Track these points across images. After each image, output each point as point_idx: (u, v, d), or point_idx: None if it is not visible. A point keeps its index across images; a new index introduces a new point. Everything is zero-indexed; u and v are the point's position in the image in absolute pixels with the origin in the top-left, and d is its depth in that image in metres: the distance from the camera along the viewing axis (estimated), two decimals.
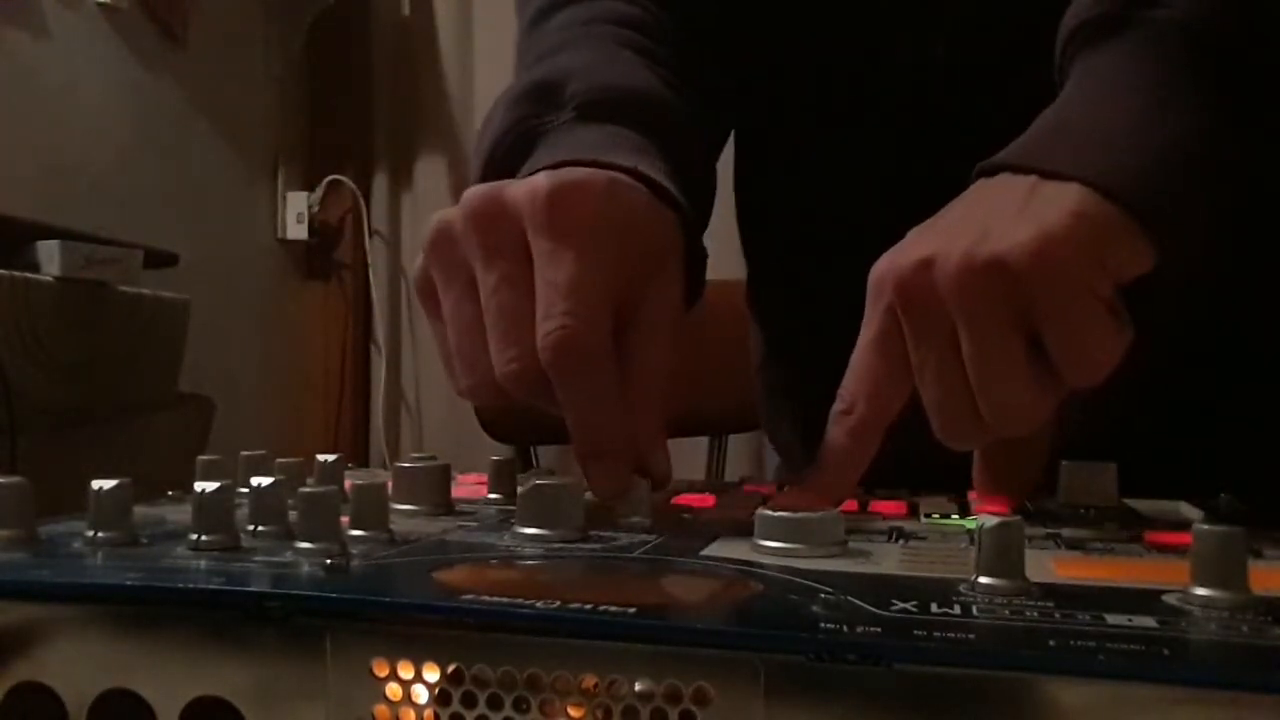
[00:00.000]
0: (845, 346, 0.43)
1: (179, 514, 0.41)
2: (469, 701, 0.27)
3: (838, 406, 0.43)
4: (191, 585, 0.29)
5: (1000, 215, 0.40)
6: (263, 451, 0.47)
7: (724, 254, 0.76)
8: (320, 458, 0.47)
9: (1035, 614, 0.26)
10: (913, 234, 0.42)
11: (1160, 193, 0.40)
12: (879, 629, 0.25)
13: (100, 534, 0.35)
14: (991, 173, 0.43)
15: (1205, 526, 0.28)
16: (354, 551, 0.33)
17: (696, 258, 0.48)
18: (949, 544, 0.37)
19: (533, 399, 0.42)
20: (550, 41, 0.55)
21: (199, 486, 0.35)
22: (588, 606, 0.26)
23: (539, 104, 0.50)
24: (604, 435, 0.42)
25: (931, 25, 0.59)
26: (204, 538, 0.34)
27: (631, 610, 0.26)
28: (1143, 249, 0.40)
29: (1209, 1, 0.44)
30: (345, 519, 0.35)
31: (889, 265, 0.41)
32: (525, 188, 0.42)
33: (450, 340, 0.44)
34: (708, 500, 0.47)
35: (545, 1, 0.58)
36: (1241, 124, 0.43)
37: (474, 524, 0.40)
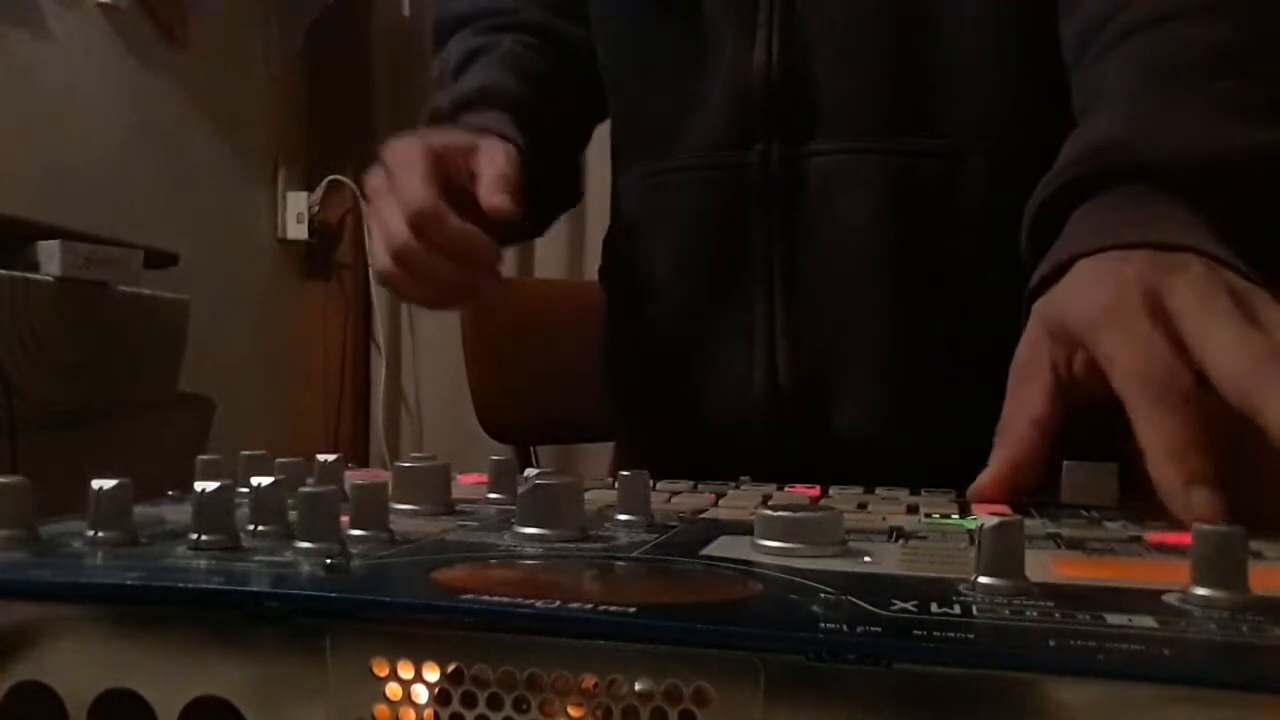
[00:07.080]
0: None
1: (179, 514, 0.41)
2: (469, 701, 0.27)
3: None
4: (191, 585, 0.29)
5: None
6: (263, 451, 0.47)
7: None
8: (320, 458, 0.47)
9: (1035, 614, 0.26)
10: (1125, 319, 0.46)
11: None
12: (879, 629, 0.25)
13: (100, 534, 0.35)
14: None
15: (1205, 526, 0.28)
16: (354, 551, 0.33)
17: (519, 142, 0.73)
18: (949, 544, 0.37)
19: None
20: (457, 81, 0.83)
21: (199, 486, 0.35)
22: (588, 606, 0.26)
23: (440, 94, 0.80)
24: (468, 244, 0.66)
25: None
26: (204, 538, 0.34)
27: (631, 610, 0.26)
28: None
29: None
30: (345, 519, 0.35)
31: (1135, 358, 0.45)
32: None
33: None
34: (710, 500, 0.47)
35: (456, 64, 0.82)
36: None
37: (474, 524, 0.40)
